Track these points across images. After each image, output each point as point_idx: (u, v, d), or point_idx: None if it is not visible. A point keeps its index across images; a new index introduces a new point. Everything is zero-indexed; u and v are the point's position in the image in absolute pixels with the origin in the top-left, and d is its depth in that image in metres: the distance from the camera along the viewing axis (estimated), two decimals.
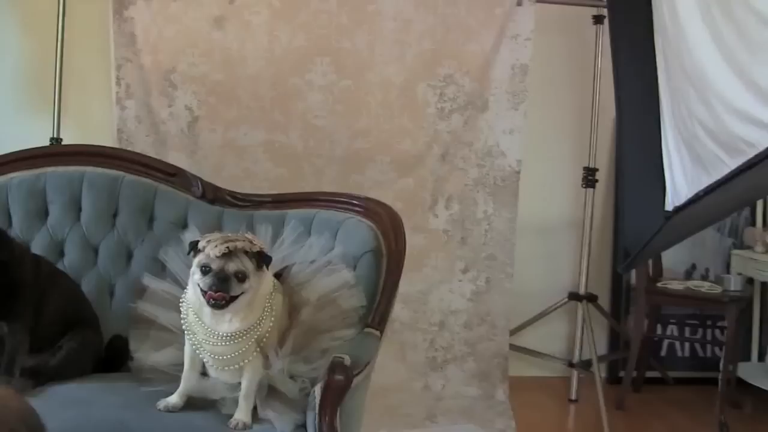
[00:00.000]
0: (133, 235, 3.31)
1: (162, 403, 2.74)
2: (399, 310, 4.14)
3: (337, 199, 3.28)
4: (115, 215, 3.33)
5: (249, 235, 2.77)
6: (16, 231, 3.25)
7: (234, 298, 2.63)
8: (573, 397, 5.15)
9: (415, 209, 4.26)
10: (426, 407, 4.29)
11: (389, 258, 3.03)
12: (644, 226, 3.78)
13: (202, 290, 2.64)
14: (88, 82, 4.71)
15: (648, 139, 3.82)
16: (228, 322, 2.67)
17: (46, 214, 3.33)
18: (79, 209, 3.33)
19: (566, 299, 5.18)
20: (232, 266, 2.63)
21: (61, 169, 3.36)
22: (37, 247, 3.25)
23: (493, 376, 4.40)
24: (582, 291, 5.05)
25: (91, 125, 4.57)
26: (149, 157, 3.53)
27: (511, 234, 4.41)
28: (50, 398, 2.76)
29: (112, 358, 3.09)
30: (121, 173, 3.36)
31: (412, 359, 4.30)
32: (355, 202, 3.21)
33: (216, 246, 2.64)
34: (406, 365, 4.29)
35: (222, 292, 2.61)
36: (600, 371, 4.93)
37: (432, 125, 4.36)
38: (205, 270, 2.63)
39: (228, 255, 2.63)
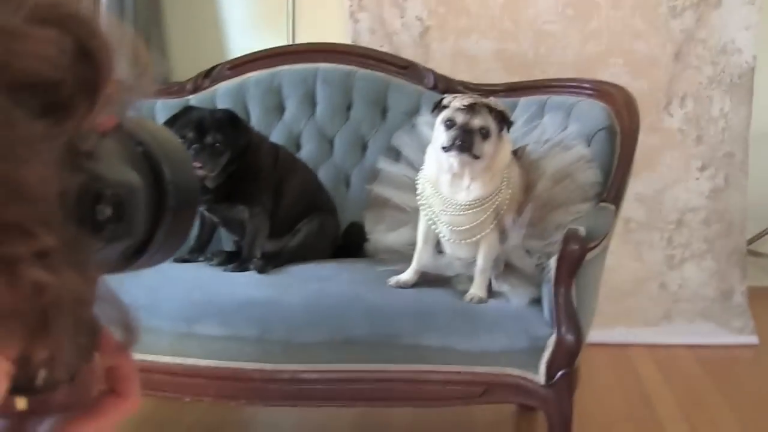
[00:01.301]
0: (367, 126, 3.37)
1: (393, 279, 2.76)
2: (634, 210, 4.06)
3: (568, 83, 3.23)
4: (348, 108, 3.40)
5: (493, 99, 2.76)
6: (255, 127, 3.35)
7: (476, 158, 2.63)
8: None
9: (649, 110, 4.14)
10: (663, 307, 4.20)
11: (623, 135, 2.96)
12: None
13: (444, 147, 2.64)
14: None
15: None
16: (466, 189, 2.67)
17: (282, 110, 3.43)
18: (314, 104, 3.41)
19: None
20: (477, 121, 2.62)
21: (295, 66, 3.45)
22: (275, 141, 3.34)
23: (731, 276, 4.26)
24: None
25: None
26: (380, 51, 3.58)
27: (746, 131, 4.24)
28: (289, 275, 2.86)
29: (348, 245, 3.15)
30: (353, 68, 3.41)
31: (648, 258, 4.21)
32: (586, 85, 3.16)
33: (462, 99, 2.64)
34: (643, 264, 4.21)
35: (466, 147, 2.61)
36: None
37: (664, 24, 4.22)
38: (449, 124, 2.63)
39: (473, 109, 2.62)
